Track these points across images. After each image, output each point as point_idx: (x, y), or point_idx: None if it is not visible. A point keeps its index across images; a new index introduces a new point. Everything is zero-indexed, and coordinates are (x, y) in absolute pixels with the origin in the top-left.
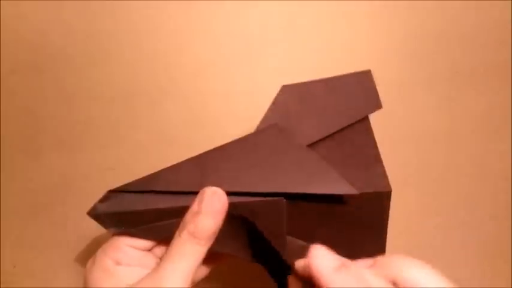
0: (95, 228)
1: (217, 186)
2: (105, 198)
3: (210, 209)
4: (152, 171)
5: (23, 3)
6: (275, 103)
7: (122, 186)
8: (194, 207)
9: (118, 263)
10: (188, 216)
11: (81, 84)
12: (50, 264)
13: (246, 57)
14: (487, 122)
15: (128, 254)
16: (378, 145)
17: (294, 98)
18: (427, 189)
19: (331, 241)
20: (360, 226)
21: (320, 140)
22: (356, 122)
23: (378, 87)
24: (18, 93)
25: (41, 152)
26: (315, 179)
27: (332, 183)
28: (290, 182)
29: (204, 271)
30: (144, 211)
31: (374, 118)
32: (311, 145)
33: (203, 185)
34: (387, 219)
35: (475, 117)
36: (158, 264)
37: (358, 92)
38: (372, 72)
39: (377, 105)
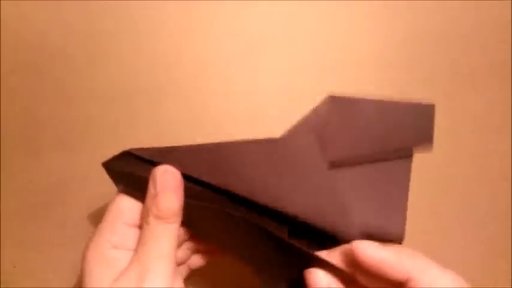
0: (95, 228)
1: (228, 184)
2: (121, 156)
3: (165, 187)
4: None
5: (23, 3)
6: (316, 111)
7: (139, 150)
8: (151, 190)
9: (115, 247)
10: (148, 201)
11: (81, 84)
12: (50, 264)
13: (246, 57)
14: (487, 122)
15: (125, 235)
16: None
17: (338, 110)
18: (427, 189)
19: None
20: None
21: (355, 162)
22: (398, 157)
23: (377, 88)
24: (18, 93)
25: (41, 152)
26: (328, 213)
27: (342, 225)
28: (303, 206)
29: (200, 260)
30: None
31: None
32: (343, 162)
33: (217, 178)
34: None
35: (475, 117)
36: (134, 255)
37: (411, 124)
38: (371, 72)
39: (428, 145)
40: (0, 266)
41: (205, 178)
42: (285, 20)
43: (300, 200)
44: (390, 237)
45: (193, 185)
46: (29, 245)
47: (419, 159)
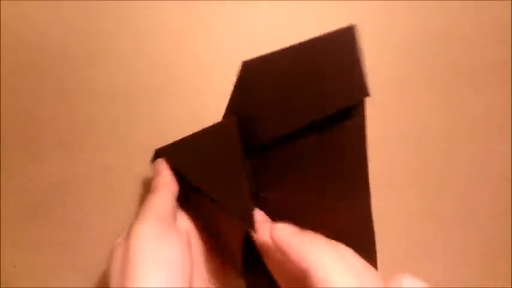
0: (95, 228)
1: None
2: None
3: (154, 170)
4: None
5: (23, 3)
6: (237, 84)
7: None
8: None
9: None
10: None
11: (81, 84)
12: (50, 264)
13: (246, 57)
14: (487, 122)
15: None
16: (378, 146)
17: (257, 77)
18: (427, 189)
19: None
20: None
21: (300, 135)
22: (345, 118)
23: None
24: (18, 93)
25: (41, 152)
26: (225, 191)
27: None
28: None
29: None
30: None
31: (374, 117)
32: (282, 142)
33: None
34: None
35: (475, 117)
36: None
37: (336, 66)
38: (371, 72)
39: (362, 90)
40: (0, 266)
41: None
42: (285, 20)
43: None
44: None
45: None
46: (29, 245)
47: (420, 159)
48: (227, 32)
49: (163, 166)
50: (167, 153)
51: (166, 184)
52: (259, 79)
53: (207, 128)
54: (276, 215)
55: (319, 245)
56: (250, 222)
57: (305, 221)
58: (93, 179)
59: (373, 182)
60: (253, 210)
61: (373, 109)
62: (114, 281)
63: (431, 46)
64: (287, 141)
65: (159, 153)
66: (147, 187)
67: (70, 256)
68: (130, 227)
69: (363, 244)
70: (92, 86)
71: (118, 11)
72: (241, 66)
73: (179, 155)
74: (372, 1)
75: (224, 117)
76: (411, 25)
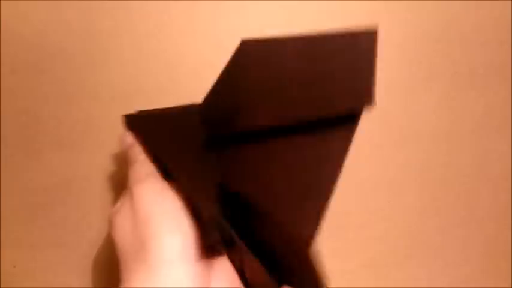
0: (95, 228)
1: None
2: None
3: (126, 142)
4: None
5: (23, 3)
6: (231, 64)
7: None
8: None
9: None
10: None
11: (81, 84)
12: (50, 264)
13: None
14: (487, 122)
15: None
16: (377, 145)
17: (255, 60)
18: (427, 189)
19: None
20: None
21: (282, 131)
22: (336, 124)
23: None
24: (18, 93)
25: (41, 152)
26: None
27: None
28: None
29: None
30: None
31: (374, 117)
32: (259, 135)
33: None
34: (307, 264)
35: (475, 117)
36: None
37: (347, 67)
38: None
39: (369, 98)
40: (0, 266)
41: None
42: (285, 20)
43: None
44: (295, 237)
45: None
46: (29, 245)
47: (420, 159)
48: (227, 32)
49: (128, 138)
50: (138, 125)
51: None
52: (257, 62)
53: (178, 106)
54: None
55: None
56: (213, 216)
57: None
58: (93, 179)
59: (373, 182)
60: (215, 202)
61: (373, 108)
62: (125, 247)
63: (431, 46)
64: (264, 136)
65: (129, 122)
66: None
67: (70, 256)
68: (130, 193)
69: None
70: (92, 86)
71: (118, 11)
72: (240, 45)
73: (149, 129)
74: (372, 1)
75: (204, 98)
76: (411, 25)
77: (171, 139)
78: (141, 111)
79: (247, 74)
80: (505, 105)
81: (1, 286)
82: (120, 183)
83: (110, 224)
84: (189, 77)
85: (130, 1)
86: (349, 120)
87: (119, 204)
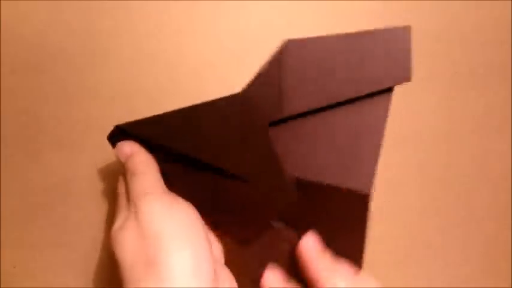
0: (95, 228)
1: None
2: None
3: (124, 152)
4: None
5: (23, 3)
6: (274, 58)
7: (126, 125)
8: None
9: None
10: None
11: (81, 84)
12: (50, 264)
13: (246, 57)
14: (487, 122)
15: None
16: None
17: (300, 54)
18: (427, 189)
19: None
20: (336, 224)
21: (320, 110)
22: (376, 93)
23: None
24: (18, 93)
25: (41, 152)
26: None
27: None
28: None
29: None
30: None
31: None
32: (310, 112)
33: (182, 143)
34: (364, 224)
35: (475, 117)
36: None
37: (383, 54)
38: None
39: (405, 75)
40: (0, 266)
41: (173, 145)
42: (284, 20)
43: (242, 160)
44: (356, 194)
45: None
46: (29, 245)
47: (420, 159)
48: (227, 32)
49: (134, 146)
50: (139, 131)
51: (148, 164)
52: (300, 58)
53: (206, 103)
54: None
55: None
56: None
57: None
58: (93, 179)
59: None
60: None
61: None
62: (131, 263)
63: (431, 46)
64: (308, 117)
65: (123, 132)
66: None
67: (70, 256)
68: (135, 207)
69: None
70: (92, 86)
71: (118, 11)
72: (285, 44)
73: (164, 131)
74: (372, 1)
75: (245, 91)
76: (411, 25)
77: (203, 137)
78: (134, 121)
79: (291, 66)
80: (505, 105)
81: (1, 286)
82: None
83: (113, 240)
84: (189, 77)
85: (130, 1)
86: (385, 91)
87: (121, 219)
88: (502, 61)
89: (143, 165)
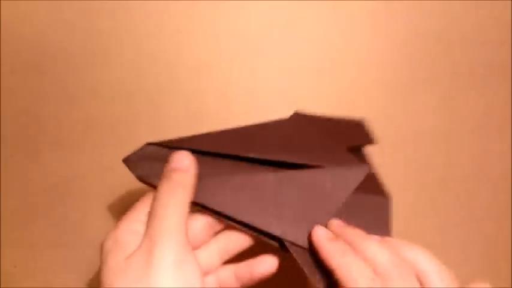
0: (95, 228)
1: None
2: (142, 148)
3: (179, 165)
4: None
5: (23, 3)
6: (285, 121)
7: (160, 141)
8: (166, 168)
9: (132, 232)
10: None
11: (81, 84)
12: (50, 264)
13: (245, 57)
14: (487, 122)
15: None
16: (378, 146)
17: (299, 123)
18: (427, 189)
19: None
20: None
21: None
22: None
23: (377, 88)
24: (18, 93)
25: (41, 152)
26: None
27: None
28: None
29: (231, 277)
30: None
31: (374, 117)
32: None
33: (247, 150)
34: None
35: (475, 117)
36: (145, 232)
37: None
38: (371, 72)
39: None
40: (0, 266)
41: (236, 152)
42: (284, 20)
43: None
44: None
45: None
46: (29, 245)
47: (420, 159)
48: (227, 32)
49: (188, 159)
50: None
51: (187, 186)
52: (300, 125)
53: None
54: None
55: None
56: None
57: None
58: (93, 179)
59: None
60: None
61: (373, 109)
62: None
63: (431, 46)
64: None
65: (172, 146)
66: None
67: (70, 256)
68: (152, 243)
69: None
70: (92, 86)
71: (118, 11)
72: (294, 114)
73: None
74: (372, 1)
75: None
76: (411, 25)
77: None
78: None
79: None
80: (505, 105)
81: (1, 286)
82: (119, 183)
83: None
84: (189, 77)
85: (131, 1)
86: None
87: (133, 242)
88: (502, 61)
89: (178, 188)
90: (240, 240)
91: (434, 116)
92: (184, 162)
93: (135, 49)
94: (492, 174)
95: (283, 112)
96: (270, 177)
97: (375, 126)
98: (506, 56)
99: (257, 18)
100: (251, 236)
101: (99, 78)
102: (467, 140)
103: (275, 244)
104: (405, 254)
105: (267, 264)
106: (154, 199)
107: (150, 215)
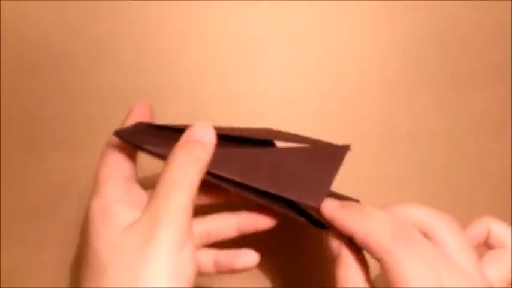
0: None
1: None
2: (135, 125)
3: (202, 138)
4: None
5: (24, 3)
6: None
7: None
8: (184, 138)
9: (119, 202)
10: (175, 147)
11: (82, 85)
12: (50, 264)
13: (246, 58)
14: (487, 122)
15: (128, 190)
16: (378, 146)
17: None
18: (427, 189)
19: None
20: None
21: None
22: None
23: (376, 88)
24: (18, 93)
25: (42, 152)
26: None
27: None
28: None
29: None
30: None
31: (374, 117)
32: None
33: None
34: None
35: (474, 117)
36: (147, 206)
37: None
38: (371, 73)
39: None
40: (0, 265)
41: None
42: (284, 21)
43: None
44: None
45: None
46: (29, 245)
47: (420, 159)
48: (227, 32)
49: (212, 133)
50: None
51: (205, 162)
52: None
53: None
54: None
55: (359, 215)
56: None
57: None
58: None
59: (373, 182)
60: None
61: (373, 109)
62: (104, 261)
63: (431, 46)
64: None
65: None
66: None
67: (70, 256)
68: (157, 218)
69: None
70: (92, 86)
71: (118, 11)
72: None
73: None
74: (372, 1)
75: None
76: (411, 25)
77: None
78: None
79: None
80: (504, 105)
81: (1, 286)
82: None
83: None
84: (189, 77)
85: (131, 2)
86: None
87: (136, 210)
88: (502, 62)
89: (191, 162)
90: (223, 228)
91: (434, 116)
92: (207, 136)
93: (136, 49)
94: (492, 174)
95: (283, 112)
96: (267, 150)
97: (375, 126)
98: (506, 56)
99: (257, 18)
100: (262, 203)
101: (100, 78)
102: (467, 140)
103: (289, 213)
104: (407, 214)
105: (250, 258)
106: (164, 170)
107: (158, 188)
